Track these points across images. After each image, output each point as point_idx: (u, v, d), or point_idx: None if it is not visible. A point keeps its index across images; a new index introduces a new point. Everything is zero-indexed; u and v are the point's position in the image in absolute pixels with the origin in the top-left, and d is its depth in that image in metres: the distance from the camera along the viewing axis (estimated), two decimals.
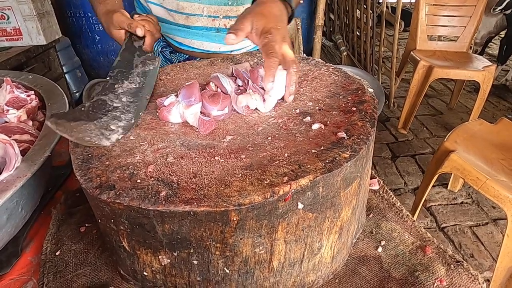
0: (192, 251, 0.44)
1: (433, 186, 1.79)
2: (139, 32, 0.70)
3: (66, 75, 2.25)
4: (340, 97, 0.58)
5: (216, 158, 0.47)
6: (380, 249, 0.60)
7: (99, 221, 0.47)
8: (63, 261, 0.60)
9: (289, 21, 0.65)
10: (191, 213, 0.39)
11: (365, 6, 2.84)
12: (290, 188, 0.40)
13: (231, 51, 1.00)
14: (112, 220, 0.44)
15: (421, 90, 2.47)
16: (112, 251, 0.53)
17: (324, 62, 0.69)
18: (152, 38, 0.72)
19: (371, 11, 2.76)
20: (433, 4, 2.58)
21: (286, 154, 0.46)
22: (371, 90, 0.58)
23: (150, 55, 0.69)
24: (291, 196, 0.41)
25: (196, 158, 0.47)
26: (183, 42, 0.98)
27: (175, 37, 0.98)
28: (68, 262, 0.59)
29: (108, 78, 0.61)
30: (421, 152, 2.39)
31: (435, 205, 1.95)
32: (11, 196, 0.50)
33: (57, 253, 0.61)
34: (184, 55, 1.01)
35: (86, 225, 0.66)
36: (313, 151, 0.46)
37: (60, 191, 0.75)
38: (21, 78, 0.69)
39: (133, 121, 0.54)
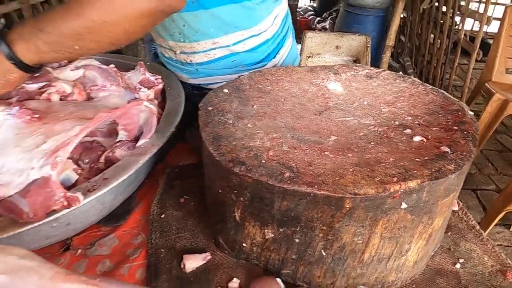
0: (298, 229, 0.50)
1: (495, 225, 1.71)
2: None
3: None
4: (440, 115, 0.62)
5: (326, 153, 0.53)
6: (458, 266, 0.62)
7: (219, 191, 0.55)
8: (167, 223, 0.69)
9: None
10: (311, 194, 0.45)
11: (440, 32, 2.78)
12: (400, 187, 0.45)
13: (199, 84, 1.00)
14: (235, 191, 0.52)
15: (491, 124, 2.36)
16: (218, 221, 0.61)
17: (421, 82, 0.72)
18: None
19: (447, 37, 2.70)
20: None
21: (391, 159, 0.51)
22: (471, 113, 0.61)
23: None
24: (400, 195, 0.46)
25: (308, 150, 0.54)
26: (167, 67, 1.02)
27: (163, 61, 1.04)
28: (171, 225, 0.69)
29: None
30: (484, 188, 2.28)
31: (495, 244, 1.84)
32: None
33: (162, 216, 0.71)
34: None
35: (185, 197, 0.75)
36: (417, 160, 0.51)
37: (161, 164, 0.86)
38: (146, 65, 0.81)
39: None
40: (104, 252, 0.65)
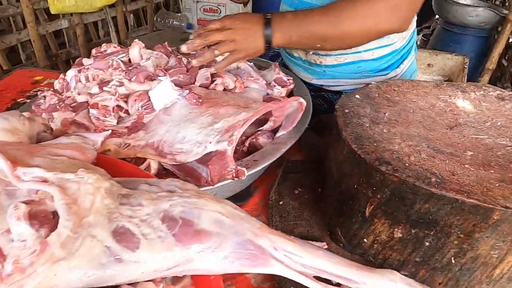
0: (432, 233, 0.53)
1: None
2: None
3: None
4: None
5: (466, 166, 0.55)
6: None
7: (355, 186, 0.60)
8: (285, 210, 0.76)
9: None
10: (459, 201, 0.48)
11: None
12: None
13: (321, 85, 1.07)
14: (374, 188, 0.56)
15: None
16: (341, 214, 0.65)
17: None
18: None
19: None
20: None
21: None
22: None
23: None
24: None
25: (447, 161, 0.56)
26: (287, 66, 1.12)
27: (284, 61, 1.14)
28: (289, 212, 0.75)
29: None
30: None
31: None
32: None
33: (280, 203, 0.78)
34: None
35: (299, 189, 0.82)
36: None
37: None
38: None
39: None
40: None
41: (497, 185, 0.50)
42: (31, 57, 1.92)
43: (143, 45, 0.86)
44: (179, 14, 2.17)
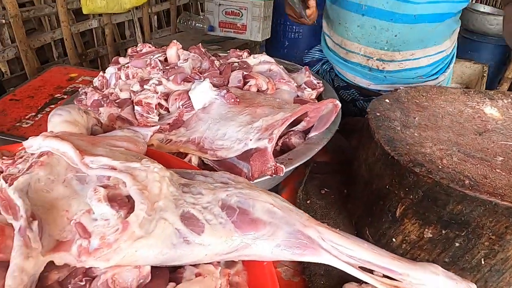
0: (463, 234, 0.55)
1: None
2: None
3: None
4: None
5: (498, 170, 0.57)
6: None
7: (387, 187, 0.62)
8: (312, 209, 0.78)
9: None
10: (493, 203, 0.50)
11: None
12: None
13: (379, 90, 1.10)
14: (407, 189, 0.58)
15: None
16: (371, 214, 0.68)
17: None
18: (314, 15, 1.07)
19: None
20: None
21: None
22: None
23: None
24: None
25: (478, 165, 0.58)
26: (340, 71, 1.16)
27: (336, 66, 1.16)
28: (316, 211, 0.78)
29: None
30: None
31: None
32: None
33: (307, 202, 0.80)
34: (342, 82, 1.18)
35: (325, 190, 0.84)
36: None
37: None
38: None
39: None
40: None
41: None
42: (61, 55, 1.99)
43: (180, 46, 0.89)
44: (201, 17, 2.22)
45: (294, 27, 2.88)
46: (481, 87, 2.54)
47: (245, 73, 0.80)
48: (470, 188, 0.52)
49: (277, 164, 0.57)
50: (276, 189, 0.84)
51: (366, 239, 0.69)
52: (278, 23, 2.88)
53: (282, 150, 0.71)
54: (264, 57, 0.89)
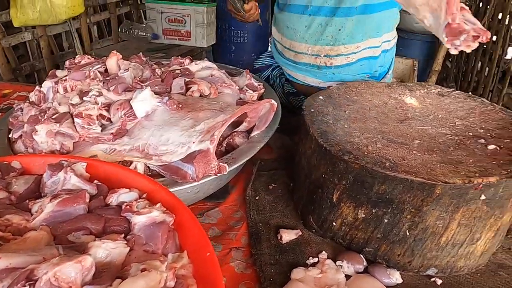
0: (389, 210, 0.62)
1: None
2: None
3: None
4: (510, 130, 0.72)
5: (414, 152, 0.65)
6: None
7: (323, 175, 0.68)
8: (261, 204, 0.83)
9: None
10: (409, 180, 0.57)
11: (489, 60, 2.82)
12: (482, 180, 0.56)
13: (329, 87, 1.20)
14: (339, 175, 0.64)
15: None
16: (312, 202, 0.73)
17: (490, 102, 0.83)
18: None
19: (496, 66, 2.73)
20: None
21: (470, 160, 0.63)
22: None
23: None
24: (481, 187, 0.57)
25: (398, 149, 0.66)
26: (291, 74, 1.22)
27: (286, 70, 1.23)
28: (265, 206, 0.82)
29: None
30: None
31: None
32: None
33: (256, 198, 0.84)
34: (292, 88, 1.26)
35: (273, 185, 0.89)
36: (494, 163, 0.62)
37: None
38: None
39: None
40: (212, 221, 0.79)
41: (438, 166, 0.60)
42: None
43: (120, 56, 0.90)
44: (143, 25, 2.20)
45: (240, 31, 2.94)
46: (413, 80, 2.77)
47: (187, 79, 0.83)
48: (390, 169, 0.59)
49: (220, 163, 0.61)
50: (226, 188, 0.88)
51: (311, 226, 0.75)
52: (223, 28, 2.92)
53: (227, 150, 0.75)
54: (206, 63, 0.92)
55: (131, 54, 2.04)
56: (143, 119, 0.70)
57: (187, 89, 0.82)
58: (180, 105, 0.71)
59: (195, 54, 2.19)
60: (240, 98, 0.88)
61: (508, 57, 2.72)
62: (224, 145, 0.74)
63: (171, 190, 0.60)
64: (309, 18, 1.08)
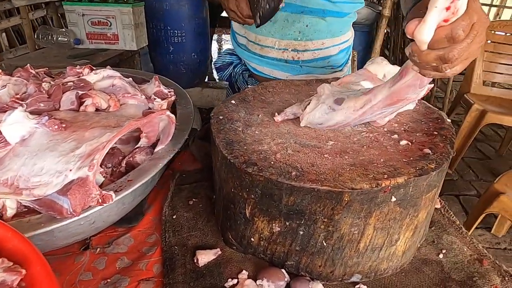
0: (302, 222, 0.58)
1: (476, 228, 1.81)
2: None
3: None
4: (422, 123, 0.71)
5: (325, 155, 0.61)
6: (441, 256, 0.70)
7: (232, 190, 0.62)
8: (178, 223, 0.75)
9: None
10: (315, 189, 0.53)
11: None
12: (390, 182, 0.53)
13: (244, 89, 1.19)
14: (247, 189, 0.58)
15: (471, 133, 2.50)
16: (228, 218, 0.67)
17: None
18: None
19: None
20: (491, 52, 2.64)
21: (381, 160, 0.59)
22: (449, 120, 0.70)
23: None
24: (390, 189, 0.54)
25: (309, 153, 0.62)
26: (257, 68, 1.19)
27: (251, 64, 1.19)
28: (183, 225, 0.75)
29: None
30: (466, 193, 2.40)
31: (472, 237, 1.95)
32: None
33: (174, 217, 0.77)
34: (257, 83, 1.22)
35: (193, 200, 0.82)
36: (404, 160, 0.59)
37: (168, 170, 0.92)
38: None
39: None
40: (121, 250, 0.70)
41: (347, 169, 0.56)
42: None
43: (0, 71, 0.77)
44: (63, 30, 2.01)
45: (176, 31, 2.82)
46: (353, 71, 2.83)
47: (80, 92, 0.73)
48: (296, 179, 0.54)
49: (104, 192, 0.52)
50: (140, 209, 0.79)
51: (231, 242, 0.69)
52: (158, 28, 2.78)
53: (127, 170, 0.66)
54: (107, 71, 0.82)
55: (52, 62, 1.86)
56: (17, 145, 0.60)
57: (81, 104, 0.72)
58: (64, 125, 0.61)
59: (125, 58, 2.05)
60: (149, 108, 0.79)
61: None
62: (124, 164, 0.66)
63: (48, 228, 0.51)
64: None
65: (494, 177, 1.69)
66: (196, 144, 0.97)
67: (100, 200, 0.51)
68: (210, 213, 0.78)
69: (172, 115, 0.65)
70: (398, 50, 3.41)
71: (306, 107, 0.66)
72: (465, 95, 2.64)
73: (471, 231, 1.76)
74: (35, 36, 2.00)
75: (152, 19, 2.72)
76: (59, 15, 2.26)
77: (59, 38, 1.95)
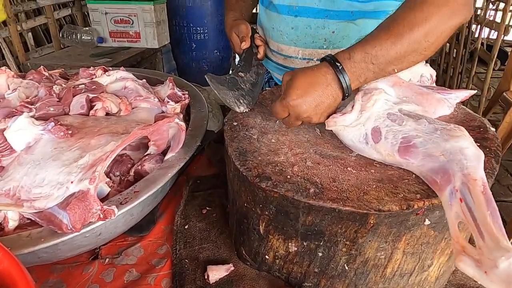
0: (321, 243, 0.52)
1: None
2: (258, 42, 0.90)
3: None
4: None
5: (349, 168, 0.55)
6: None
7: (245, 205, 0.57)
8: (190, 234, 0.71)
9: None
10: (336, 210, 0.47)
11: (456, 41, 2.76)
12: (424, 204, 0.46)
13: (262, 91, 1.06)
14: (260, 205, 0.53)
15: (510, 134, 2.32)
16: (242, 233, 0.62)
17: None
18: (264, 49, 0.91)
19: (463, 47, 2.68)
20: None
21: (413, 175, 0.52)
22: (493, 129, 0.62)
23: (261, 62, 0.89)
24: (423, 211, 0.47)
25: (331, 166, 0.55)
26: (281, 79, 1.07)
27: (275, 74, 1.10)
28: (195, 236, 0.71)
29: (238, 65, 0.81)
30: (503, 200, 2.23)
31: None
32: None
33: (185, 227, 0.73)
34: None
35: (207, 208, 0.77)
36: None
37: (183, 176, 0.89)
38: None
39: (251, 104, 0.71)
40: (130, 261, 0.67)
41: (374, 186, 0.50)
42: None
43: (12, 73, 0.76)
44: (87, 28, 2.02)
45: (199, 28, 2.79)
46: None
47: (91, 95, 0.70)
48: (314, 197, 0.48)
49: (106, 207, 0.48)
50: (152, 218, 0.76)
51: (244, 258, 0.64)
52: (181, 26, 2.77)
53: (136, 179, 0.62)
54: (120, 73, 0.79)
55: (75, 61, 1.88)
56: (23, 152, 0.57)
57: (91, 108, 0.69)
58: (70, 131, 0.58)
59: (147, 56, 2.04)
60: (163, 112, 0.76)
61: (475, 36, 2.67)
62: (132, 173, 0.62)
63: (48, 244, 0.48)
64: (295, 19, 0.94)
65: None
66: (211, 147, 0.93)
67: (101, 216, 0.47)
68: (224, 224, 0.73)
69: (182, 123, 0.60)
70: None
71: (342, 113, 0.58)
72: (504, 93, 2.45)
73: (510, 241, 1.62)
74: (60, 35, 2.03)
75: (174, 17, 2.71)
76: (84, 13, 2.29)
77: (83, 37, 1.97)
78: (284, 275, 0.60)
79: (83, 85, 0.74)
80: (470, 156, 0.44)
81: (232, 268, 0.64)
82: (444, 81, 2.99)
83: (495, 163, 0.54)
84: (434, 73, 0.69)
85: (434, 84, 0.73)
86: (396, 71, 0.59)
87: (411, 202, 0.46)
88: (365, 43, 0.58)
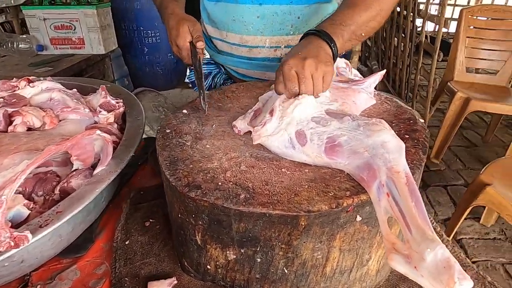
0: (258, 249, 0.50)
1: (465, 218, 1.77)
2: (200, 45, 0.82)
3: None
4: (393, 125, 0.64)
5: (283, 170, 0.54)
6: None
7: (179, 215, 0.54)
8: (131, 250, 0.67)
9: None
10: (267, 214, 0.46)
11: (403, 35, 2.88)
12: (353, 201, 0.46)
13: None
14: (193, 215, 0.51)
15: (456, 121, 2.46)
16: (181, 244, 0.60)
17: (378, 91, 0.75)
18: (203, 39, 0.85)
19: (409, 40, 2.80)
20: (473, 37, 2.59)
21: (345, 172, 0.52)
22: (422, 120, 0.64)
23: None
24: (353, 208, 0.47)
25: (265, 168, 0.54)
26: (246, 73, 1.04)
27: (238, 69, 1.05)
28: (136, 252, 0.67)
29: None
30: (453, 183, 2.36)
31: (466, 238, 1.91)
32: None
33: (126, 242, 0.69)
34: None
35: (150, 220, 0.74)
36: None
37: (126, 187, 0.84)
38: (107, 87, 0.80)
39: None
40: (65, 286, 0.62)
41: (306, 186, 0.49)
42: None
43: None
44: (24, 36, 1.89)
45: (150, 31, 2.71)
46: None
47: (10, 110, 0.64)
48: (245, 203, 0.46)
49: (18, 233, 0.44)
50: (90, 236, 0.71)
51: (188, 270, 0.62)
52: (131, 29, 2.68)
53: (62, 197, 0.58)
54: (46, 83, 0.73)
55: (11, 72, 1.75)
56: None
57: (10, 123, 0.63)
58: None
59: (94, 62, 1.94)
60: (95, 122, 0.71)
61: (418, 30, 2.80)
62: (57, 192, 0.57)
63: None
64: (260, 8, 0.92)
65: (482, 165, 1.64)
66: (154, 156, 0.89)
67: (11, 244, 0.43)
68: (168, 235, 0.70)
69: (106, 135, 0.57)
70: (380, 40, 3.36)
71: (263, 123, 0.57)
72: (448, 83, 2.59)
73: (459, 223, 1.72)
74: None
75: (123, 20, 2.61)
76: (20, 20, 2.14)
77: (20, 45, 1.84)
78: (228, 283, 0.58)
79: (1, 99, 0.68)
80: (392, 148, 0.44)
81: (175, 282, 0.61)
82: (395, 74, 3.12)
83: (422, 154, 0.55)
84: (347, 62, 0.75)
85: (356, 72, 0.76)
86: (364, 34, 0.75)
87: (340, 200, 0.46)
88: (337, 13, 0.74)
